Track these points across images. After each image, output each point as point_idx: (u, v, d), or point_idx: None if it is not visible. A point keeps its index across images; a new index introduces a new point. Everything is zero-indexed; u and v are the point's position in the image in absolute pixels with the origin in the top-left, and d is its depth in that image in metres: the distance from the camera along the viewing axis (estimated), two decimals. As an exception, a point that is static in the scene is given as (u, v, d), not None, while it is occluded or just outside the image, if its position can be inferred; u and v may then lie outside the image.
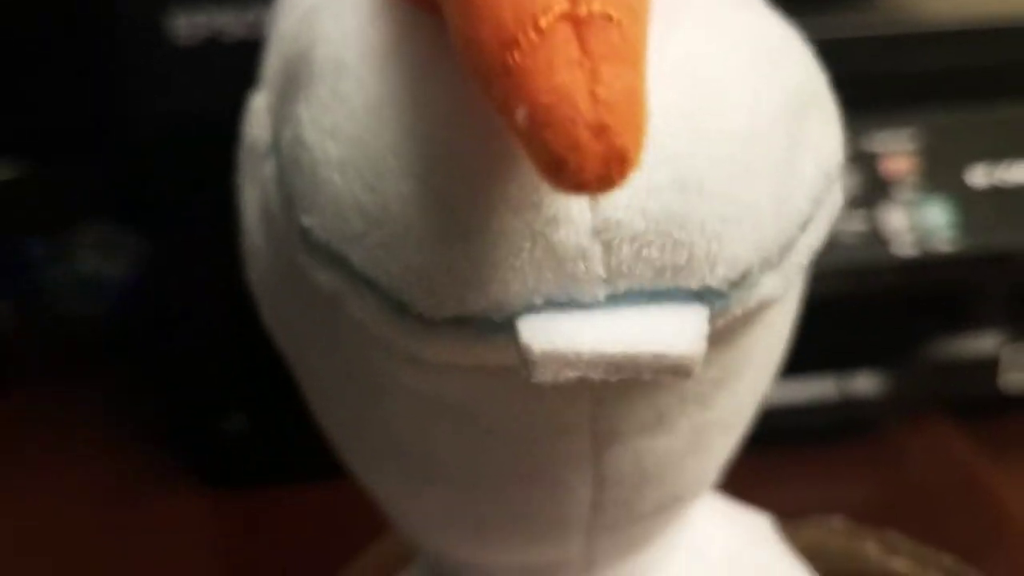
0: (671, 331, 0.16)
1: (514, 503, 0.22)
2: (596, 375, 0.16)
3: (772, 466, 0.51)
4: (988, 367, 0.53)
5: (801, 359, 0.51)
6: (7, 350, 0.69)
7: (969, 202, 0.45)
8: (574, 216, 0.16)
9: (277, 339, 0.25)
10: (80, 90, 0.71)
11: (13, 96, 0.69)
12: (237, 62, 0.42)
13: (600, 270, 0.16)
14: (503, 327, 0.16)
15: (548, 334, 0.16)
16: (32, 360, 0.68)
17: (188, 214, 0.47)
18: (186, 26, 0.43)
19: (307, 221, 0.18)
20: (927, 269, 0.46)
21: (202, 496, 0.52)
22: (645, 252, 0.16)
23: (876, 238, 0.45)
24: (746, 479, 0.48)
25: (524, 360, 0.16)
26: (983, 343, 0.53)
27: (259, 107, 0.24)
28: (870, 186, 0.46)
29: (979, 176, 0.46)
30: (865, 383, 0.51)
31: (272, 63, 0.24)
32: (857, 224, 0.45)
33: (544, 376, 0.16)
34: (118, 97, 0.47)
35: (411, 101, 0.17)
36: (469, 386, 0.19)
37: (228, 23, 0.43)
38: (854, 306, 0.51)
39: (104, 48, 0.46)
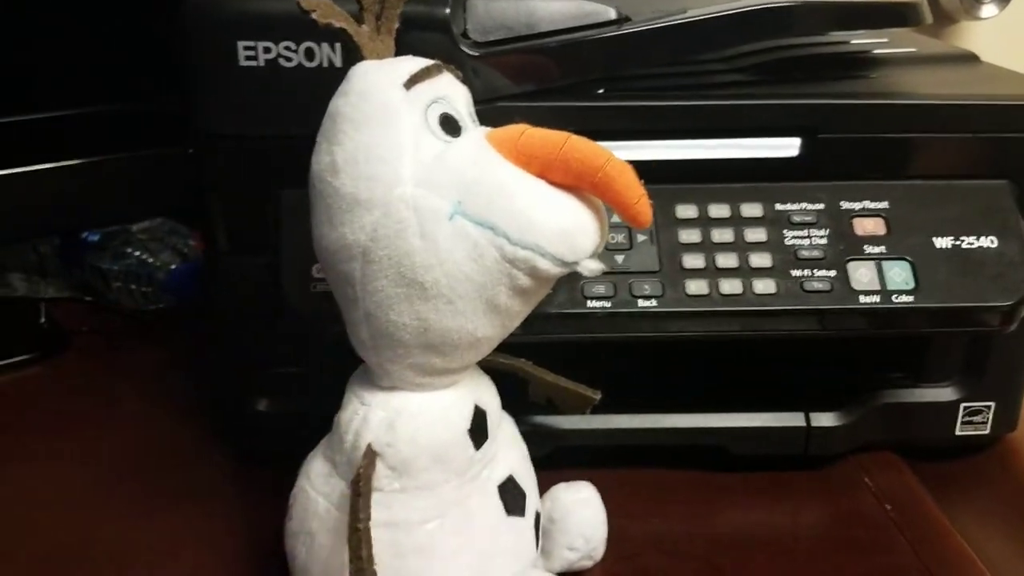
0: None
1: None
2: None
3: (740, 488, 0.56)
4: (946, 415, 0.59)
5: (773, 394, 0.56)
6: (61, 326, 0.74)
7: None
8: None
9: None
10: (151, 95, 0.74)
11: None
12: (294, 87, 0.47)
13: None
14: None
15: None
16: (84, 336, 0.73)
17: (240, 221, 0.52)
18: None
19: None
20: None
21: (234, 467, 0.57)
22: None
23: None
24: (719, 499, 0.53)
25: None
26: (941, 393, 0.58)
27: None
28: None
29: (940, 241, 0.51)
30: (828, 419, 0.56)
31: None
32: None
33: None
34: (186, 108, 0.51)
35: None
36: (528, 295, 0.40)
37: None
38: (824, 349, 0.56)
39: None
